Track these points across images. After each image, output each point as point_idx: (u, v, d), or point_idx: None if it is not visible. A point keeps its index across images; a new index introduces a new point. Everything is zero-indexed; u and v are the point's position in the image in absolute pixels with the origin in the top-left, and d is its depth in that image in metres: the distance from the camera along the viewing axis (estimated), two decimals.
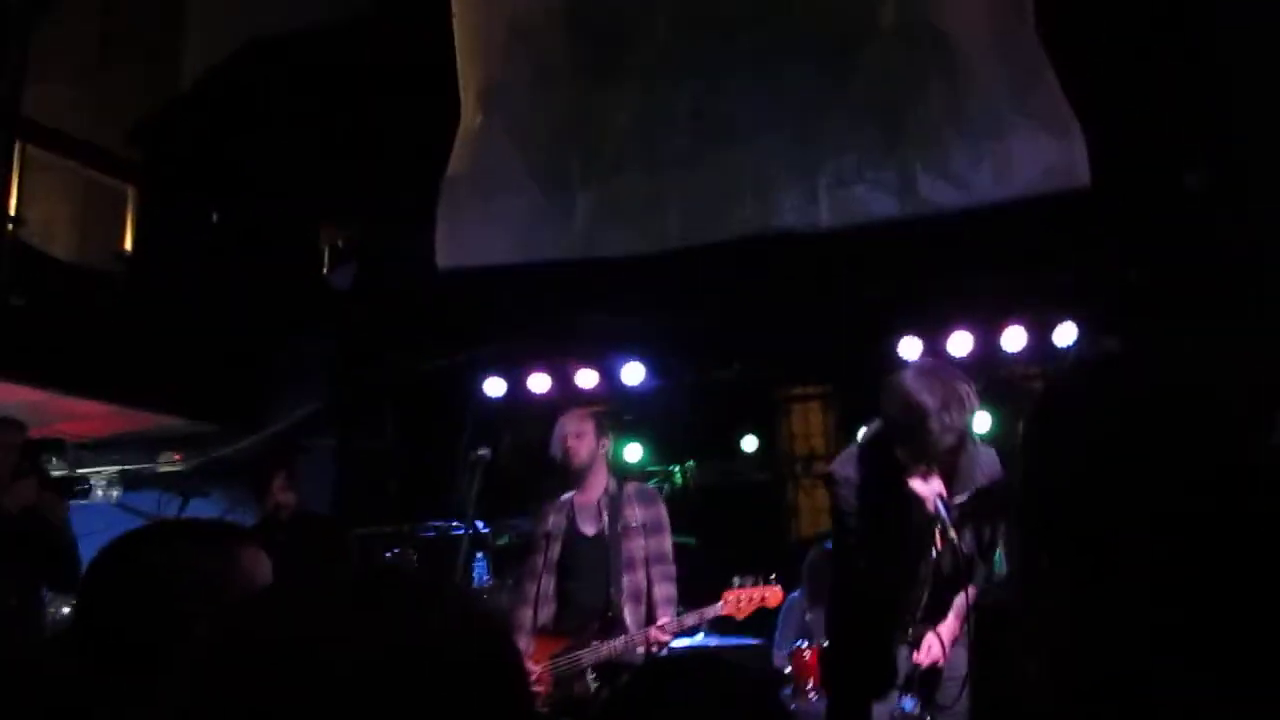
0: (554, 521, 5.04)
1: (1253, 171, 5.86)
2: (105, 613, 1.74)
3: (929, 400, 3.64)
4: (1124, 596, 0.96)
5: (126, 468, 7.40)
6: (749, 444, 7.54)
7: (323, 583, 1.00)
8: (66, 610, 5.70)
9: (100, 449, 7.13)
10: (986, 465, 3.97)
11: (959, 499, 3.83)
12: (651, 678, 1.61)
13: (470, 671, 0.95)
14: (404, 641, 0.92)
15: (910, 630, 3.86)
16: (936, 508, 3.68)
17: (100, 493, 7.14)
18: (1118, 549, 0.97)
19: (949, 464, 3.77)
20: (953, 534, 3.67)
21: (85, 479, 5.15)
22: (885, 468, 3.81)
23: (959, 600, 3.90)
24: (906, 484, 3.73)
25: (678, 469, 7.40)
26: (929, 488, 3.71)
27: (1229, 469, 0.96)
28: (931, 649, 3.84)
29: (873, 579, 3.95)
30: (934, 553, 3.75)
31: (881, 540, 3.89)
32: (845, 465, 4.08)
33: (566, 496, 5.07)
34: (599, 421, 5.17)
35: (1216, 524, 0.94)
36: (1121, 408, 1.02)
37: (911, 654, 3.85)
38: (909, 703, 3.81)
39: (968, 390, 3.74)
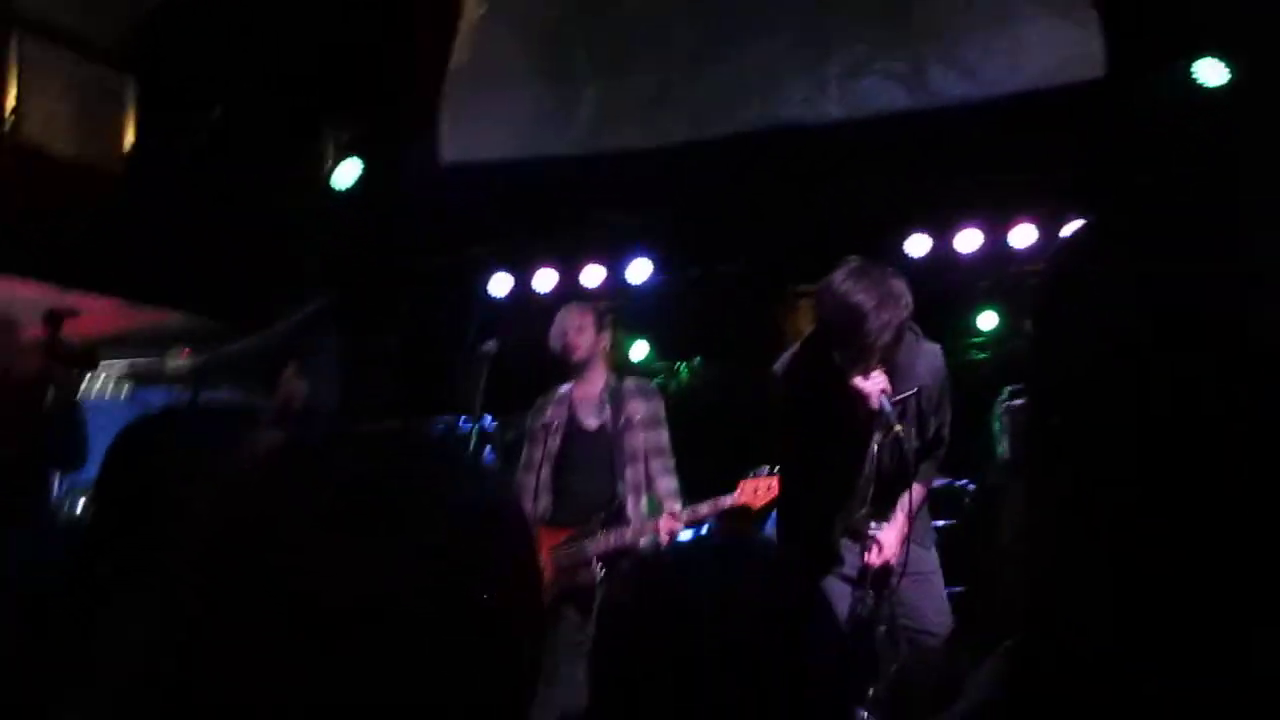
0: (553, 414, 5.06)
1: (1270, 68, 5.75)
2: (121, 503, 1.75)
3: (864, 299, 3.60)
4: (1119, 507, 0.95)
5: (136, 362, 7.42)
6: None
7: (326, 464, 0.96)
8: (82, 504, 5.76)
9: (106, 345, 7.14)
10: (928, 360, 3.96)
11: (901, 394, 3.82)
12: (660, 571, 1.55)
13: (479, 560, 0.93)
14: (415, 526, 0.90)
15: (857, 526, 3.88)
16: (880, 404, 3.66)
17: (110, 388, 7.18)
18: (1120, 453, 0.96)
19: (888, 360, 3.74)
20: (899, 428, 3.67)
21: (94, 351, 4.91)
22: (818, 367, 3.80)
23: (905, 498, 3.92)
24: (844, 382, 3.71)
25: (684, 366, 7.41)
26: (872, 384, 3.68)
27: (1239, 373, 0.95)
28: (880, 550, 3.87)
29: (809, 475, 3.98)
30: (874, 449, 3.74)
31: (815, 438, 3.90)
32: (784, 364, 4.10)
33: (565, 390, 5.07)
34: (599, 316, 5.16)
35: (1222, 427, 0.93)
36: (1131, 307, 1.00)
37: (862, 553, 3.87)
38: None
39: (902, 287, 3.69)
